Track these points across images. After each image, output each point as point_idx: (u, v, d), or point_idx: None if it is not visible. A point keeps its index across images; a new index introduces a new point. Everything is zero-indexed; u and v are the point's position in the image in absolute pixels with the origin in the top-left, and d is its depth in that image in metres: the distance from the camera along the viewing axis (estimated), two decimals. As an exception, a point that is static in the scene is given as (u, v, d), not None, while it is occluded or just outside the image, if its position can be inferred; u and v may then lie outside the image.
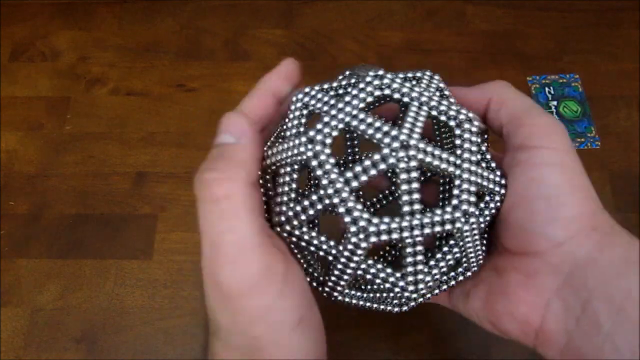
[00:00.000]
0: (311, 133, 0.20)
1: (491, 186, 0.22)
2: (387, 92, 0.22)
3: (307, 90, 0.23)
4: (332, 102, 0.21)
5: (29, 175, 0.44)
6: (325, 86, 0.23)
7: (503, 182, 0.23)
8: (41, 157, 0.45)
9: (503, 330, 0.23)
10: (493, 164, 0.23)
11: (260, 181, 0.22)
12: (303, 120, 0.22)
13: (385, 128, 0.20)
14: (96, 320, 0.38)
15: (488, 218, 0.22)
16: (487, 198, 0.23)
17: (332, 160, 0.20)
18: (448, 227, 0.20)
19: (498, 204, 0.23)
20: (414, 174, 0.20)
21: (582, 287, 0.20)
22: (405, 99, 0.22)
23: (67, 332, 0.38)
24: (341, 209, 0.19)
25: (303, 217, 0.21)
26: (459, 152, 0.21)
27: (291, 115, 0.22)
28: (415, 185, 0.20)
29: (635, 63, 0.48)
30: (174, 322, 0.38)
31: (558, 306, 0.21)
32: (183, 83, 0.48)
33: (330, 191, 0.19)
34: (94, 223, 0.42)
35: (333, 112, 0.21)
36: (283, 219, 0.21)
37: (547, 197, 0.21)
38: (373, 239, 0.19)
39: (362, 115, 0.20)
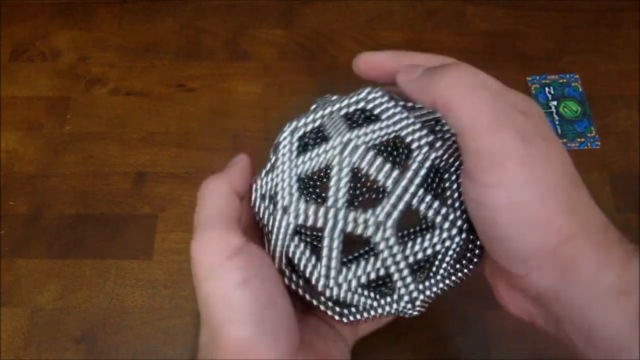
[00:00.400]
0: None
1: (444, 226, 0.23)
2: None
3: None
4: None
5: (29, 175, 0.44)
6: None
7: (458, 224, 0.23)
8: (41, 157, 0.45)
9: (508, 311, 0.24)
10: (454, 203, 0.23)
11: (292, 244, 0.24)
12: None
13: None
14: (96, 320, 0.38)
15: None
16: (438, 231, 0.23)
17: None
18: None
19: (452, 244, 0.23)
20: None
21: (551, 310, 0.21)
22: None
23: (67, 332, 0.38)
24: (399, 283, 0.23)
25: (354, 284, 0.24)
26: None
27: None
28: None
29: (635, 63, 0.48)
30: (174, 322, 0.38)
31: (538, 316, 0.22)
32: (183, 83, 0.48)
33: (390, 264, 0.23)
34: (94, 223, 0.42)
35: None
36: (332, 282, 0.24)
37: (500, 240, 0.20)
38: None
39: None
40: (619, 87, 0.47)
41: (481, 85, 0.20)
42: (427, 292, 0.24)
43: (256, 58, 0.49)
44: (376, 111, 0.24)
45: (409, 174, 0.22)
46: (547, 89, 0.47)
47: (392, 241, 0.22)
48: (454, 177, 0.23)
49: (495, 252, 0.21)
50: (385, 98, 0.24)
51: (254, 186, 0.26)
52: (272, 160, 0.25)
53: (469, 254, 0.25)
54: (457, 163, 0.23)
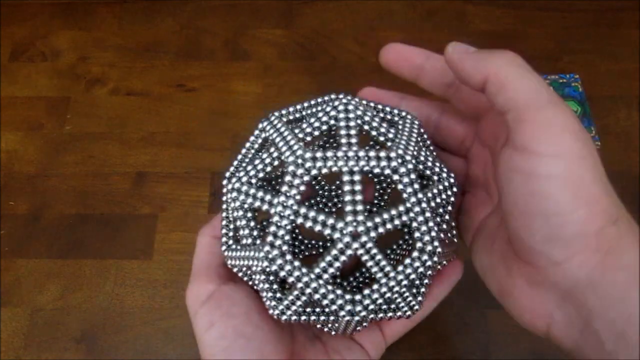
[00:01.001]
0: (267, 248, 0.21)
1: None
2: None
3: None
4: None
5: (29, 175, 0.44)
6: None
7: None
8: (41, 157, 0.45)
9: (518, 321, 0.23)
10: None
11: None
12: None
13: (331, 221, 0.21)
14: (96, 320, 0.38)
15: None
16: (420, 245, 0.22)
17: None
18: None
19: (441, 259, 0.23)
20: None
21: (582, 306, 0.19)
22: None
23: (67, 332, 0.38)
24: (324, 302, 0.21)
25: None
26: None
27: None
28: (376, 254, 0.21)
29: (635, 63, 0.48)
30: (174, 322, 0.38)
31: (561, 318, 0.20)
32: (183, 83, 0.48)
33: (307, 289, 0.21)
34: (94, 223, 0.42)
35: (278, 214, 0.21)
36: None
37: (547, 215, 0.19)
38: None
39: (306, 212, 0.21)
40: (619, 87, 0.47)
41: (531, 70, 0.21)
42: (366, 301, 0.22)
43: (256, 58, 0.49)
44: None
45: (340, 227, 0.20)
46: (547, 89, 0.47)
47: (325, 291, 0.21)
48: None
49: (535, 233, 0.20)
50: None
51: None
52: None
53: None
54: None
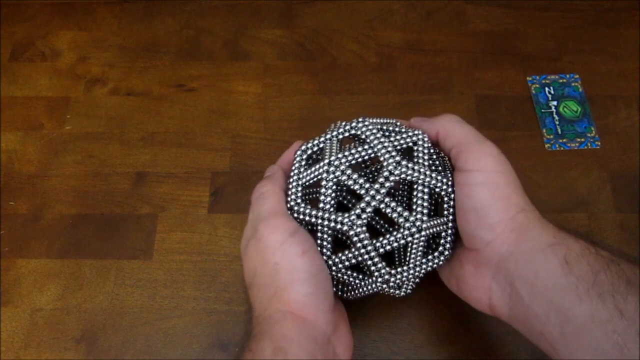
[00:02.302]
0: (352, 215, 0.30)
1: (444, 187, 0.31)
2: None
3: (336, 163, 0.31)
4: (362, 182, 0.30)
5: (29, 175, 0.44)
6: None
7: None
8: (41, 157, 0.45)
9: (470, 304, 0.31)
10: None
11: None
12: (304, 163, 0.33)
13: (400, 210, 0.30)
14: (96, 320, 0.38)
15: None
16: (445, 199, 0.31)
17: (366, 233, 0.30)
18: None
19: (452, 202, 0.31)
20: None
21: (507, 273, 0.28)
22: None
23: (67, 332, 0.38)
24: (372, 268, 0.30)
25: (340, 266, 0.31)
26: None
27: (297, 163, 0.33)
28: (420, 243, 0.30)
29: (635, 63, 0.48)
30: (174, 322, 0.38)
31: (496, 288, 0.29)
32: (183, 83, 0.48)
33: (362, 251, 0.30)
34: (94, 223, 0.42)
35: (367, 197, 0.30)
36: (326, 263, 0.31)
37: (475, 209, 0.29)
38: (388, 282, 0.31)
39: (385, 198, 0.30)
40: (619, 87, 0.47)
41: (465, 122, 0.32)
42: (399, 276, 0.31)
43: (256, 58, 0.49)
44: (363, 137, 0.32)
45: (377, 185, 0.29)
46: (547, 89, 0.47)
47: (362, 237, 0.29)
48: (420, 187, 0.30)
49: (470, 222, 0.29)
50: (371, 127, 0.32)
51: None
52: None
53: (440, 248, 0.31)
54: (422, 177, 0.30)
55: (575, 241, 0.27)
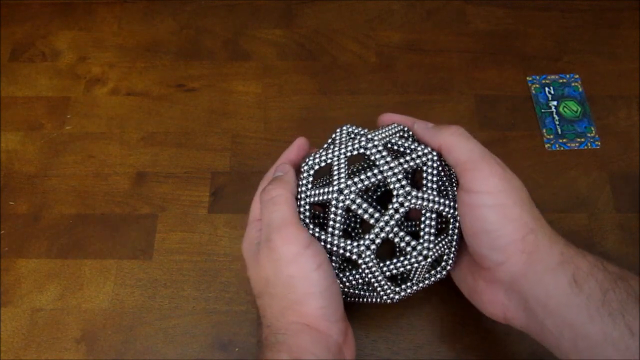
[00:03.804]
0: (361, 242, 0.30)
1: (451, 212, 0.31)
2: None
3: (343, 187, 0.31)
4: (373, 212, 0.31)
5: (29, 175, 0.44)
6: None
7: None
8: (41, 157, 0.45)
9: (484, 313, 0.31)
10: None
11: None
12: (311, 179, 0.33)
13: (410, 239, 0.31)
14: (96, 320, 0.38)
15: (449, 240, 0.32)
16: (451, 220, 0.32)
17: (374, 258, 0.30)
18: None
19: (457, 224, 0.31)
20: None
21: (520, 292, 0.28)
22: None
23: (67, 332, 0.38)
24: (378, 288, 0.32)
25: (347, 284, 0.32)
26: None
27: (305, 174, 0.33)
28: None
29: (635, 63, 0.48)
30: (174, 322, 0.38)
31: (510, 303, 0.29)
32: (183, 83, 0.48)
33: (369, 276, 0.31)
34: (94, 223, 0.42)
35: (381, 223, 0.30)
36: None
37: (487, 232, 0.29)
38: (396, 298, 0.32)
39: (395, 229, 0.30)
40: (619, 87, 0.47)
41: (470, 137, 0.31)
42: (403, 294, 0.32)
43: (256, 58, 0.49)
44: (372, 158, 0.31)
45: (386, 217, 0.30)
46: (547, 89, 0.47)
47: (370, 265, 0.30)
48: (428, 214, 0.31)
49: (481, 244, 0.29)
50: (380, 147, 0.31)
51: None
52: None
53: (442, 264, 0.33)
54: (430, 205, 0.30)
55: (583, 258, 0.28)
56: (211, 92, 0.48)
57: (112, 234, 0.41)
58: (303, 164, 0.33)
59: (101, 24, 0.52)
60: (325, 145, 0.34)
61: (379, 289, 0.31)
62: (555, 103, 0.46)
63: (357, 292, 0.33)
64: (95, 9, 0.52)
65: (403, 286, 0.32)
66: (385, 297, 0.32)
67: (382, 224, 0.30)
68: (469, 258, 0.32)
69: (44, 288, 0.39)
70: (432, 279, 0.32)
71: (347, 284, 0.32)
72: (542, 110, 0.46)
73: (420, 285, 0.32)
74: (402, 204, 0.30)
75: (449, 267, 0.32)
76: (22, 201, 0.43)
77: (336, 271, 0.31)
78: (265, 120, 0.46)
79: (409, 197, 0.30)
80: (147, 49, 0.50)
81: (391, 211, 0.30)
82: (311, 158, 0.33)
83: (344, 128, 0.34)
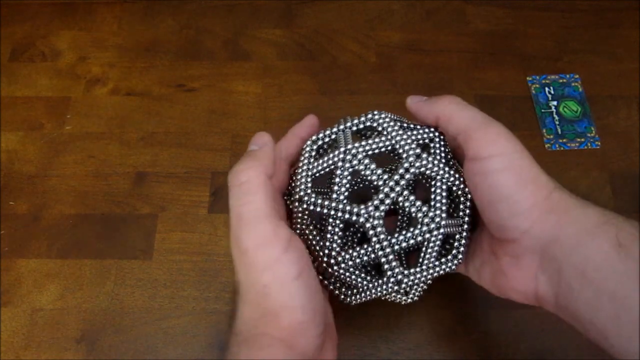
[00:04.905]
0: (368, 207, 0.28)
1: (462, 186, 0.29)
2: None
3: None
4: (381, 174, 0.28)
5: (29, 175, 0.44)
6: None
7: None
8: (41, 157, 0.45)
9: (510, 298, 0.28)
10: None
11: (307, 229, 0.29)
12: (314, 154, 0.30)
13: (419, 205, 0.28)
14: (96, 320, 0.38)
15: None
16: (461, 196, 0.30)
17: (383, 227, 0.27)
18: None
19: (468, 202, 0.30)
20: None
21: (553, 260, 0.25)
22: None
23: (67, 332, 0.38)
24: (385, 266, 0.28)
25: (350, 263, 0.28)
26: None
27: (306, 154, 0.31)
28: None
29: (635, 63, 0.48)
30: (174, 322, 0.38)
31: (542, 277, 0.26)
32: (183, 83, 0.48)
33: (378, 249, 0.28)
34: (94, 223, 0.42)
35: (386, 189, 0.28)
36: (332, 261, 0.28)
37: (505, 198, 0.26)
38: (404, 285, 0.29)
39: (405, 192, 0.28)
40: (619, 87, 0.47)
41: (468, 104, 0.29)
42: (412, 277, 0.29)
43: (256, 58, 0.49)
44: (379, 128, 0.30)
45: (396, 176, 0.28)
46: (547, 89, 0.47)
47: (379, 230, 0.27)
48: (438, 184, 0.28)
49: (500, 214, 0.26)
50: (388, 119, 0.30)
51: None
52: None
53: (453, 251, 0.30)
54: (441, 172, 0.28)
55: (625, 220, 0.24)
56: (211, 92, 0.48)
57: (112, 234, 0.41)
58: (306, 141, 0.31)
59: (101, 24, 0.52)
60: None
61: (386, 266, 0.28)
62: (555, 103, 0.46)
63: (358, 281, 0.29)
64: (95, 9, 0.52)
65: (412, 270, 0.29)
66: (393, 282, 0.28)
67: (391, 183, 0.27)
68: (487, 238, 0.29)
69: (44, 288, 0.39)
70: (443, 266, 0.29)
71: (350, 266, 0.28)
72: (542, 110, 0.46)
73: (431, 272, 0.29)
74: (412, 164, 0.28)
75: (460, 256, 0.30)
76: (22, 201, 0.43)
77: (337, 249, 0.28)
78: (265, 120, 0.46)
79: (420, 159, 0.28)
80: (147, 49, 0.50)
81: (401, 171, 0.28)
82: (315, 135, 0.31)
83: (348, 117, 0.32)
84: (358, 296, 0.30)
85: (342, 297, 0.30)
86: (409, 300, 0.30)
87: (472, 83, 0.47)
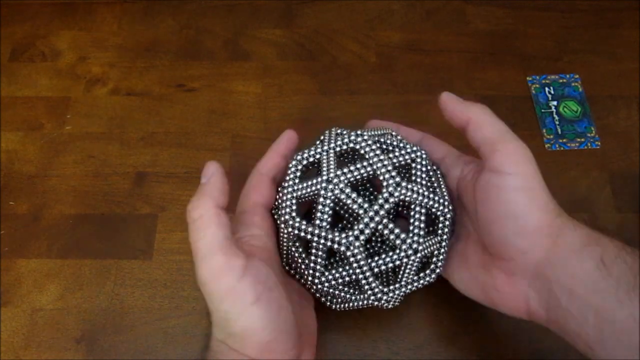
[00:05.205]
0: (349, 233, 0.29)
1: (441, 208, 0.31)
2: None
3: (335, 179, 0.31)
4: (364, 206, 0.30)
5: (29, 175, 0.44)
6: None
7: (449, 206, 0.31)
8: (41, 157, 0.45)
9: (500, 311, 0.30)
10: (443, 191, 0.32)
11: (293, 247, 0.31)
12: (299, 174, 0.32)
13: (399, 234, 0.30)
14: (96, 320, 0.38)
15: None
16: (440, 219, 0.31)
17: (362, 252, 0.29)
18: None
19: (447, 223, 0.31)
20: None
21: (545, 279, 0.27)
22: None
23: (67, 332, 0.38)
24: (366, 287, 0.30)
25: (333, 283, 0.31)
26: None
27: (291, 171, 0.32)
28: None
29: (635, 63, 0.48)
30: (174, 322, 0.38)
31: (534, 294, 0.28)
32: (183, 83, 0.48)
33: (357, 271, 0.30)
34: (94, 223, 0.42)
35: (365, 219, 0.29)
36: (317, 280, 0.31)
37: (514, 216, 0.28)
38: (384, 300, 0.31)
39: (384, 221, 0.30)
40: (619, 87, 0.47)
41: (496, 117, 0.30)
42: (391, 294, 0.31)
43: (256, 58, 0.49)
44: (362, 152, 0.31)
45: (376, 207, 0.29)
46: (547, 89, 0.47)
47: (359, 257, 0.29)
48: (417, 208, 0.30)
49: (505, 230, 0.28)
50: (370, 142, 0.31)
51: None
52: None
53: (431, 266, 0.32)
54: (420, 198, 0.30)
55: (610, 241, 0.27)
56: (211, 92, 0.48)
57: (112, 234, 0.41)
58: (290, 160, 0.32)
59: (101, 24, 0.52)
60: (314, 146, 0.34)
61: (366, 287, 0.30)
62: (555, 103, 0.46)
63: (342, 294, 0.31)
64: (95, 9, 0.52)
65: (391, 287, 0.31)
66: (373, 299, 0.31)
67: (371, 213, 0.29)
68: (477, 252, 0.31)
69: (44, 288, 0.39)
70: (422, 281, 0.32)
71: (334, 282, 0.30)
72: (542, 110, 0.46)
73: (409, 287, 0.31)
74: (391, 194, 0.29)
75: (438, 270, 0.32)
76: (22, 201, 0.43)
77: (321, 270, 0.30)
78: (265, 120, 0.46)
79: (399, 188, 0.29)
80: (147, 49, 0.50)
81: (381, 201, 0.29)
82: (299, 154, 0.32)
83: (332, 130, 0.34)
84: (341, 305, 0.32)
85: (328, 303, 0.33)
86: (390, 306, 0.32)
87: (472, 83, 0.47)
